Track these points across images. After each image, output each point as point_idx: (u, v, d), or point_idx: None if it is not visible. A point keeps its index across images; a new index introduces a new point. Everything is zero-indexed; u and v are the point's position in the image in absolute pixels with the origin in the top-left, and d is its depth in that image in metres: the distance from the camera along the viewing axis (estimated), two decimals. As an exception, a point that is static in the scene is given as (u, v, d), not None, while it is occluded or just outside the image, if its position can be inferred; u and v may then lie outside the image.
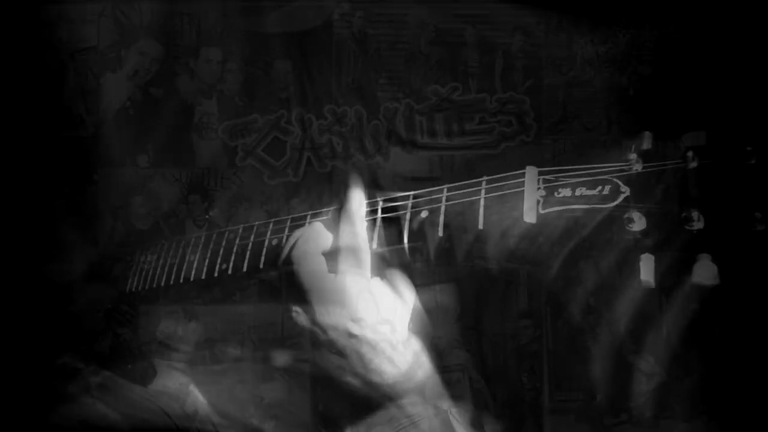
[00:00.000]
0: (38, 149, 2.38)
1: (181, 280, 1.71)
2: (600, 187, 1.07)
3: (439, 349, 1.46)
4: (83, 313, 2.10)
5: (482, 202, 1.19)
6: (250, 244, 1.55)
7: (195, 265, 1.68)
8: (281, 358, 2.32)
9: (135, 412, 1.78)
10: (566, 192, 1.10)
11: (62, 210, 2.37)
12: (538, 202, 1.12)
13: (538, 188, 1.14)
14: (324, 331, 1.28)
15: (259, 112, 2.45)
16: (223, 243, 1.62)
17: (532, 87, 2.48)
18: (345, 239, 1.30)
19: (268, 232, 1.52)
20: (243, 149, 2.44)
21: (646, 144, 1.08)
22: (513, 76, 2.48)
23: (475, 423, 1.38)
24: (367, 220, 1.32)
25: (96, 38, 2.43)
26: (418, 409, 1.28)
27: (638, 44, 2.46)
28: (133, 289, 1.89)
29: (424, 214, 1.29)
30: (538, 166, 1.18)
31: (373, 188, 2.18)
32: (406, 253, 1.31)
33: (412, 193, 1.31)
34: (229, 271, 1.58)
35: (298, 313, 1.32)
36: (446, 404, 1.32)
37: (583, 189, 1.08)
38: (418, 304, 1.36)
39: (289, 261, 1.33)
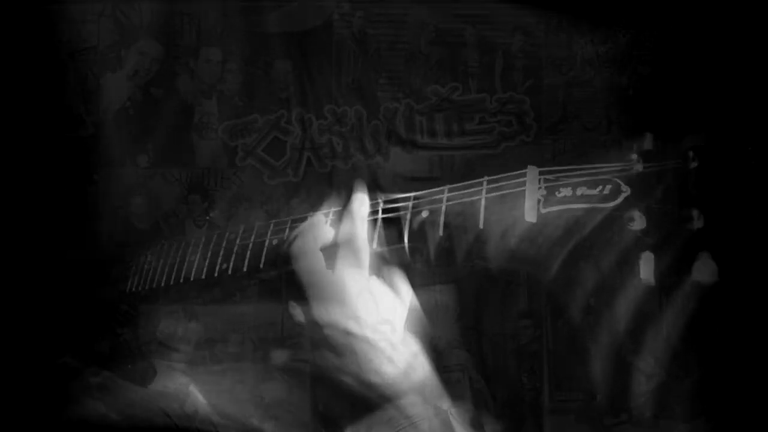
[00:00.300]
0: (38, 149, 2.38)
1: (182, 281, 1.71)
2: (601, 187, 1.07)
3: (439, 349, 1.46)
4: (83, 313, 2.11)
5: (483, 202, 1.19)
6: (251, 245, 1.55)
7: (195, 266, 1.68)
8: (280, 357, 2.32)
9: (135, 413, 1.78)
10: (567, 191, 1.10)
11: (62, 210, 2.37)
12: (539, 201, 1.13)
13: (539, 188, 1.14)
14: (321, 328, 1.28)
15: (259, 112, 2.45)
16: (224, 243, 1.62)
17: (532, 87, 2.48)
18: (344, 237, 1.30)
19: (269, 233, 1.52)
20: (243, 149, 2.44)
21: (647, 144, 1.08)
22: (513, 76, 2.48)
23: (475, 423, 1.38)
24: (368, 220, 1.32)
25: (96, 38, 2.43)
26: (417, 410, 1.28)
27: (638, 44, 2.46)
28: (133, 289, 1.89)
29: (424, 214, 1.29)
30: (538, 166, 1.18)
31: (373, 188, 2.18)
32: (406, 253, 1.31)
33: (413, 194, 1.31)
34: (230, 272, 1.58)
35: (295, 308, 1.32)
36: (446, 404, 1.32)
37: (584, 188, 1.09)
38: (417, 304, 1.36)
39: (287, 257, 1.34)
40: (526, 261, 1.11)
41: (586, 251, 1.06)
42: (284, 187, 2.44)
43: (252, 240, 1.54)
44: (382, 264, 1.30)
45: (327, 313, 1.27)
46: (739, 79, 2.22)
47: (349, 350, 1.26)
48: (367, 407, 1.28)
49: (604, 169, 1.08)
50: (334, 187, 2.41)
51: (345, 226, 1.31)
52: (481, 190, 1.19)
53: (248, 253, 1.53)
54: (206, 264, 1.64)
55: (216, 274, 1.60)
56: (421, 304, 1.36)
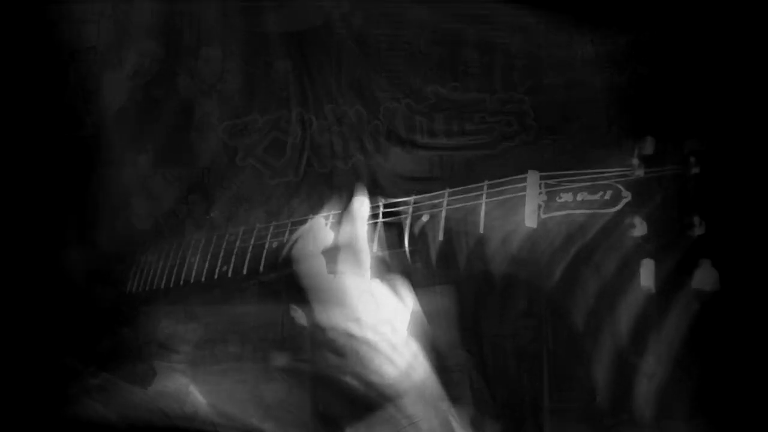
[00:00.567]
0: (38, 149, 2.38)
1: (182, 282, 1.71)
2: (602, 192, 1.08)
3: (439, 350, 1.47)
4: (83, 313, 2.11)
5: (483, 206, 1.20)
6: (251, 247, 1.56)
7: (195, 267, 1.69)
8: (280, 360, 2.32)
9: (135, 414, 1.79)
10: (568, 197, 1.10)
11: (62, 210, 2.37)
12: (540, 206, 1.13)
13: (540, 193, 1.14)
14: (323, 330, 1.28)
15: (259, 112, 2.45)
16: (224, 245, 1.63)
17: (532, 87, 2.47)
18: (345, 240, 1.31)
19: (269, 235, 1.52)
20: (243, 149, 2.44)
21: (648, 149, 1.08)
22: (513, 76, 2.48)
23: (475, 423, 1.38)
24: (369, 223, 1.33)
25: (96, 38, 2.43)
26: (417, 410, 1.29)
27: (638, 44, 2.46)
28: (133, 290, 1.89)
29: (425, 218, 1.29)
30: (537, 166, 1.19)
31: (373, 189, 2.18)
32: (407, 257, 1.32)
33: (413, 198, 1.31)
34: (230, 274, 1.58)
35: (296, 311, 1.32)
36: (446, 405, 1.33)
37: (585, 194, 1.09)
38: (418, 306, 1.37)
39: (288, 260, 1.34)
40: (527, 267, 1.11)
41: (587, 257, 1.06)
42: (284, 187, 2.43)
43: (252, 242, 1.55)
44: (383, 267, 1.31)
45: (328, 316, 1.28)
46: (740, 80, 2.22)
47: (351, 351, 1.27)
48: (368, 407, 1.29)
49: (604, 174, 1.08)
50: (334, 188, 2.41)
51: (345, 229, 1.31)
52: (482, 194, 1.20)
53: (248, 255, 1.54)
54: (206, 266, 1.64)
55: (216, 276, 1.61)
56: (422, 305, 1.37)
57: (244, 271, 1.54)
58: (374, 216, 1.35)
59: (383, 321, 1.33)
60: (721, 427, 2.37)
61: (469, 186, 1.23)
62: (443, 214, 1.24)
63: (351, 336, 1.29)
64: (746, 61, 2.22)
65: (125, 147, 2.43)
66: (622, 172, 1.06)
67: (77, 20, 2.42)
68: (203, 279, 1.65)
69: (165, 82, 2.44)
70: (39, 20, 2.40)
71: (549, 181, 1.13)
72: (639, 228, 1.02)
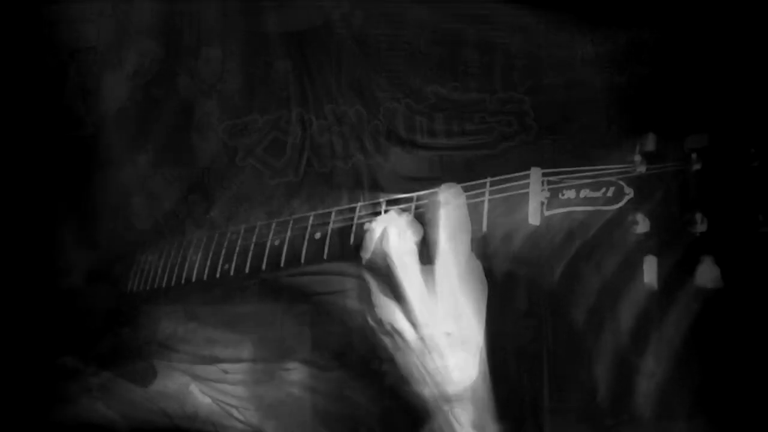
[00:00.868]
0: (38, 149, 2.38)
1: (183, 281, 1.71)
2: (604, 189, 1.08)
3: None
4: (84, 313, 2.11)
5: (486, 203, 1.19)
6: (252, 246, 1.55)
7: (196, 266, 1.69)
8: (297, 372, 2.32)
9: (135, 413, 1.79)
10: (570, 194, 1.10)
11: (62, 210, 2.37)
12: (543, 203, 1.13)
13: (543, 190, 1.14)
14: (418, 327, 1.26)
15: (259, 112, 2.45)
16: (225, 244, 1.62)
17: (532, 87, 2.47)
18: (439, 234, 1.27)
19: (270, 233, 1.52)
20: (243, 149, 2.44)
21: (650, 146, 1.08)
22: (513, 76, 2.48)
23: (475, 423, 1.38)
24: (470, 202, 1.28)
25: (96, 38, 2.43)
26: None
27: (638, 44, 2.46)
28: (134, 290, 1.89)
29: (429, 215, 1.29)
30: (538, 166, 1.19)
31: (373, 188, 2.18)
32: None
33: (416, 194, 1.31)
34: (231, 273, 1.58)
35: (386, 304, 1.29)
36: (446, 405, 1.32)
37: (588, 191, 1.09)
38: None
39: (383, 254, 1.30)
40: (530, 264, 1.11)
41: (590, 254, 1.06)
42: (284, 187, 2.43)
43: (254, 241, 1.54)
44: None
45: (428, 311, 1.26)
46: (742, 80, 2.22)
47: (442, 352, 1.26)
48: (423, 419, 1.29)
49: (607, 171, 1.08)
50: (334, 187, 2.41)
51: (437, 223, 1.27)
52: (485, 191, 1.20)
53: (250, 253, 1.54)
54: (207, 265, 1.64)
55: (218, 275, 1.61)
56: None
57: (246, 270, 1.54)
58: (375, 213, 1.35)
59: (472, 321, 1.33)
60: (721, 427, 2.38)
61: (472, 183, 1.22)
62: (446, 211, 1.24)
63: (448, 335, 1.28)
64: (747, 57, 2.23)
65: (125, 147, 2.42)
66: (624, 169, 1.06)
67: (77, 20, 2.42)
68: (204, 278, 1.65)
69: (165, 82, 2.44)
70: (39, 20, 2.40)
71: (551, 178, 1.12)
72: (641, 225, 1.02)
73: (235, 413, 2.06)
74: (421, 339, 1.27)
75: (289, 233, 1.47)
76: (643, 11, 2.41)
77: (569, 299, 2.21)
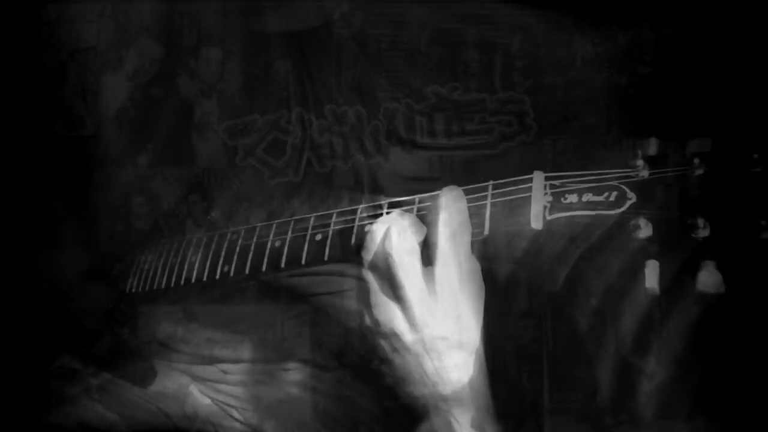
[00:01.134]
0: (38, 149, 2.37)
1: (182, 282, 1.71)
2: (607, 194, 1.07)
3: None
4: (83, 313, 2.10)
5: (488, 207, 1.19)
6: (252, 246, 1.55)
7: (196, 267, 1.68)
8: (296, 373, 2.32)
9: (135, 414, 1.78)
10: (573, 198, 1.10)
11: (62, 210, 2.37)
12: (545, 207, 1.13)
13: (545, 194, 1.14)
14: (418, 328, 1.26)
15: (259, 112, 2.45)
16: (225, 244, 1.62)
17: (532, 87, 2.47)
18: (438, 235, 1.27)
19: (271, 234, 1.52)
20: (243, 149, 2.44)
21: (652, 150, 1.08)
22: (513, 76, 2.48)
23: (475, 423, 1.38)
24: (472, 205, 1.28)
25: (96, 38, 2.43)
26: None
27: (638, 44, 2.46)
28: (133, 290, 1.89)
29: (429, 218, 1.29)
30: (538, 166, 1.18)
31: (373, 188, 2.18)
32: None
33: (417, 197, 1.31)
34: (231, 274, 1.58)
35: (388, 306, 1.29)
36: (445, 405, 1.32)
37: (590, 195, 1.09)
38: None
39: (385, 254, 1.30)
40: (532, 268, 1.11)
41: (592, 258, 1.06)
42: (284, 187, 2.43)
43: (254, 241, 1.54)
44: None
45: (429, 313, 1.26)
46: (742, 80, 2.22)
47: (441, 354, 1.26)
48: (418, 416, 1.28)
49: (609, 175, 1.08)
50: (334, 187, 2.41)
51: (439, 224, 1.27)
52: (487, 195, 1.19)
53: (250, 254, 1.53)
54: (207, 265, 1.64)
55: (217, 276, 1.60)
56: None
57: (246, 271, 1.54)
58: (376, 215, 1.35)
59: (471, 323, 1.33)
60: (721, 427, 2.38)
61: (474, 186, 1.22)
62: (448, 214, 1.24)
63: (444, 338, 1.28)
64: (750, 62, 2.22)
65: (125, 147, 2.42)
66: (626, 174, 1.06)
67: (77, 20, 2.42)
68: (204, 279, 1.65)
69: (165, 82, 2.44)
70: (38, 20, 2.40)
71: (554, 182, 1.12)
72: (644, 229, 1.02)
73: (235, 414, 2.06)
74: (420, 340, 1.27)
75: (289, 234, 1.47)
76: (643, 12, 2.41)
77: (571, 302, 2.21)
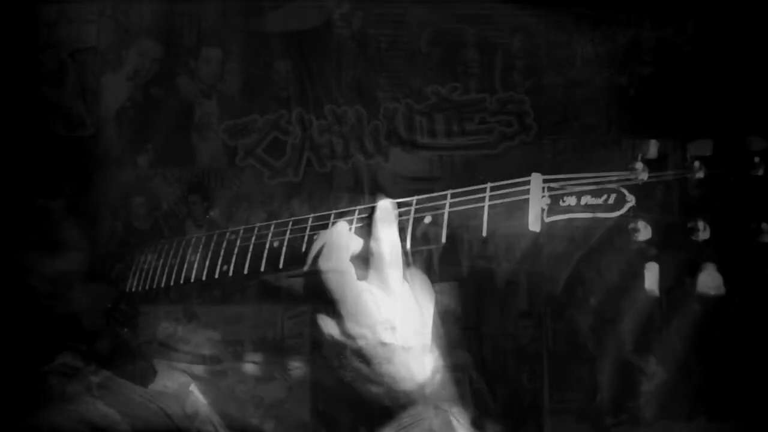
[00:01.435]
0: (38, 149, 2.38)
1: (182, 281, 1.71)
2: (605, 196, 1.07)
3: (440, 350, 1.46)
4: (83, 313, 2.10)
5: (486, 209, 1.19)
6: (251, 246, 1.55)
7: (195, 266, 1.68)
8: (297, 369, 2.33)
9: (135, 413, 1.78)
10: (571, 200, 1.09)
11: (62, 210, 2.37)
12: (543, 210, 1.12)
13: (543, 196, 1.13)
14: (354, 339, 1.27)
15: (259, 112, 2.45)
16: (224, 244, 1.62)
17: (532, 87, 2.47)
18: (375, 248, 1.29)
19: (270, 234, 1.51)
20: (243, 149, 2.44)
21: (652, 152, 1.07)
22: (513, 76, 2.48)
23: (476, 423, 1.38)
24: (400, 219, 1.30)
25: (96, 38, 2.43)
26: (418, 409, 1.28)
27: (638, 44, 2.46)
28: (133, 289, 1.88)
29: (427, 220, 1.28)
30: (538, 166, 1.18)
31: (373, 188, 2.18)
32: (408, 258, 1.31)
33: (415, 198, 1.30)
34: (230, 273, 1.57)
35: (325, 320, 1.31)
36: (446, 404, 1.32)
37: (589, 197, 1.08)
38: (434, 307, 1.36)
39: (316, 269, 1.32)
40: (531, 270, 1.11)
41: (591, 261, 1.06)
42: (284, 187, 2.43)
43: (253, 241, 1.54)
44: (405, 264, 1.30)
45: (359, 324, 1.27)
46: (743, 82, 2.22)
47: (384, 360, 1.26)
48: (392, 413, 1.28)
49: (608, 178, 1.08)
50: (334, 188, 2.41)
51: (375, 236, 1.29)
52: (484, 197, 1.19)
53: (249, 254, 1.53)
54: (206, 265, 1.63)
55: (216, 276, 1.60)
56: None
57: (245, 271, 1.53)
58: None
59: (414, 326, 1.32)
60: (721, 427, 2.38)
61: (472, 188, 1.22)
62: (446, 216, 1.23)
63: (384, 344, 1.28)
64: (750, 63, 2.22)
65: (125, 147, 2.42)
66: (626, 176, 1.05)
67: (77, 20, 2.42)
68: (203, 278, 1.64)
69: (165, 82, 2.44)
70: (38, 20, 2.40)
71: (552, 185, 1.11)
72: (643, 232, 1.02)
73: (233, 412, 2.06)
74: (359, 349, 1.28)
75: (288, 234, 1.47)
76: (643, 12, 2.41)
77: (571, 303, 2.21)
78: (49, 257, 2.30)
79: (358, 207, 1.36)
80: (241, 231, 1.59)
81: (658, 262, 1.03)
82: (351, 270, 1.30)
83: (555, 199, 1.12)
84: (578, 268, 1.05)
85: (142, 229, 2.41)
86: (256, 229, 1.55)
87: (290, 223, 1.49)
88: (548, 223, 1.11)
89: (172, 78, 2.45)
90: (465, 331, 2.39)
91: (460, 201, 1.26)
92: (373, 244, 1.30)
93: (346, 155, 2.44)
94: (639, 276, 1.05)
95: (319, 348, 1.33)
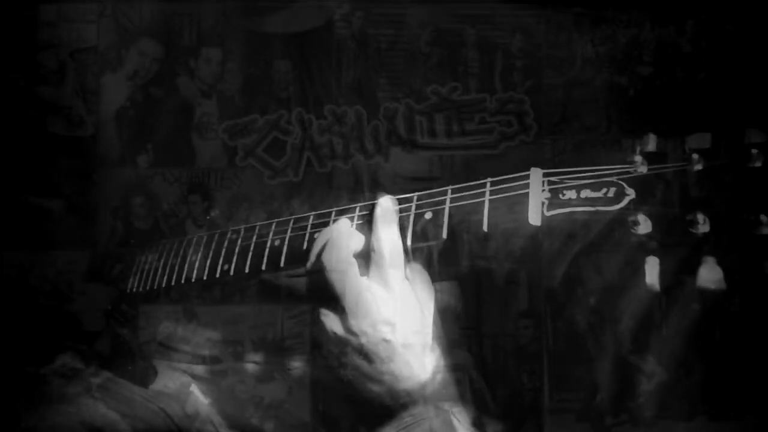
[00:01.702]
0: (38, 149, 2.38)
1: (182, 281, 1.71)
2: (605, 189, 1.07)
3: (440, 349, 1.46)
4: (83, 313, 2.10)
5: (486, 204, 1.19)
6: (252, 245, 1.55)
7: (196, 266, 1.68)
8: (299, 368, 2.33)
9: (135, 413, 1.78)
10: (571, 194, 1.10)
11: (62, 210, 2.37)
12: (543, 204, 1.12)
13: (543, 190, 1.13)
14: (356, 336, 1.27)
15: (259, 112, 2.45)
16: (225, 244, 1.62)
17: (532, 87, 2.47)
18: (376, 245, 1.29)
19: (270, 233, 1.51)
20: (243, 149, 2.44)
21: (651, 146, 1.07)
22: (513, 76, 2.48)
23: (476, 423, 1.38)
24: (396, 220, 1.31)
25: (96, 38, 2.43)
26: (419, 409, 1.28)
27: (638, 44, 2.46)
28: (134, 289, 1.88)
29: (427, 216, 1.29)
30: (538, 166, 1.18)
31: (373, 188, 2.18)
32: (409, 254, 1.31)
33: (415, 194, 1.30)
34: (231, 273, 1.57)
35: (327, 316, 1.31)
36: (447, 404, 1.32)
37: (588, 191, 1.08)
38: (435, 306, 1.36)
39: (320, 265, 1.32)
40: (531, 265, 1.11)
41: (591, 255, 1.06)
42: (284, 187, 2.43)
43: (254, 241, 1.54)
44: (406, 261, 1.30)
45: (362, 321, 1.27)
46: (743, 79, 2.22)
47: (385, 358, 1.26)
48: (393, 412, 1.28)
49: (608, 171, 1.08)
50: (334, 188, 2.41)
51: (374, 233, 1.29)
52: (485, 192, 1.19)
53: (250, 254, 1.53)
54: (207, 265, 1.63)
55: (217, 275, 1.60)
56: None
57: (246, 270, 1.53)
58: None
59: (415, 325, 1.32)
60: (721, 427, 2.38)
61: (472, 183, 1.22)
62: (446, 211, 1.23)
63: (385, 341, 1.29)
64: (750, 62, 2.23)
65: (125, 147, 2.42)
66: (625, 169, 1.05)
67: (77, 20, 2.42)
68: (204, 278, 1.65)
69: (165, 82, 2.44)
70: (38, 20, 2.40)
71: (552, 179, 1.12)
72: (643, 225, 1.02)
73: (233, 412, 2.06)
74: (360, 346, 1.28)
75: (288, 233, 1.47)
76: (643, 12, 2.41)
77: (570, 300, 2.21)
78: (48, 257, 2.30)
79: (359, 204, 1.37)
80: (242, 230, 1.59)
81: (659, 256, 1.03)
82: (353, 267, 1.30)
83: (555, 193, 1.12)
84: (578, 264, 1.05)
85: (142, 229, 2.41)
86: (257, 228, 1.55)
87: (291, 222, 1.49)
88: (548, 216, 1.11)
89: (172, 78, 2.44)
90: (465, 330, 2.39)
91: (460, 197, 1.26)
92: (373, 241, 1.30)
93: (346, 155, 2.44)
94: (639, 272, 1.05)
95: (319, 348, 1.33)
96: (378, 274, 1.29)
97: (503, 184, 1.19)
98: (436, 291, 1.38)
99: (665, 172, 1.04)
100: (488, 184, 1.21)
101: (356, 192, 2.40)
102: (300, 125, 2.44)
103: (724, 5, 2.33)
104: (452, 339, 2.40)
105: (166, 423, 1.78)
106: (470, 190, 1.24)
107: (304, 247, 1.41)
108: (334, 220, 1.39)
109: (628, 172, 1.07)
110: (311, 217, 1.46)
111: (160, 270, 1.80)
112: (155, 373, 1.89)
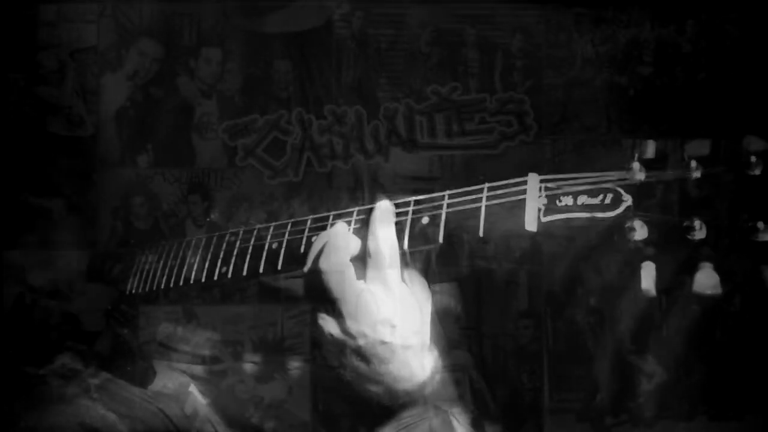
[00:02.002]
0: (38, 149, 2.38)
1: (181, 282, 1.71)
2: (602, 196, 1.07)
3: (440, 350, 1.46)
4: (83, 313, 2.10)
5: (483, 209, 1.19)
6: (251, 248, 1.55)
7: (195, 267, 1.68)
8: (297, 369, 2.33)
9: (134, 414, 1.78)
10: (568, 200, 1.09)
11: (62, 210, 2.37)
12: (540, 210, 1.12)
13: (540, 196, 1.13)
14: (354, 338, 1.28)
15: (259, 112, 2.45)
16: (224, 246, 1.62)
17: (532, 87, 2.47)
18: (373, 247, 1.29)
19: (269, 236, 1.51)
20: (243, 149, 2.44)
21: (650, 152, 1.07)
22: (513, 76, 2.48)
23: (476, 423, 1.38)
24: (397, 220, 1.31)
25: (96, 38, 2.43)
26: (419, 409, 1.28)
27: (638, 44, 2.46)
28: (133, 290, 1.88)
29: (425, 221, 1.29)
30: (538, 166, 1.18)
31: (373, 188, 2.18)
32: (407, 258, 1.31)
33: (413, 198, 1.30)
34: (229, 275, 1.57)
35: (325, 319, 1.31)
36: (446, 404, 1.32)
37: (585, 197, 1.08)
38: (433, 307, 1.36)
39: (316, 269, 1.33)
40: (528, 270, 1.11)
41: (588, 261, 1.06)
42: (284, 187, 2.43)
43: (252, 243, 1.54)
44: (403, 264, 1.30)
45: (360, 323, 1.27)
46: (741, 80, 2.22)
47: (384, 359, 1.26)
48: (392, 413, 1.29)
49: (605, 178, 1.08)
50: (334, 187, 2.41)
51: (372, 235, 1.30)
52: (482, 197, 1.19)
53: (248, 256, 1.53)
54: (206, 266, 1.63)
55: (216, 277, 1.60)
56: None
57: (244, 272, 1.54)
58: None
59: (413, 326, 1.32)
60: (720, 426, 2.38)
61: (469, 188, 1.22)
62: (443, 216, 1.23)
63: (383, 343, 1.29)
64: (750, 64, 2.22)
65: (125, 147, 2.42)
66: (622, 176, 1.05)
67: (77, 20, 2.42)
68: (203, 279, 1.65)
69: (165, 82, 2.44)
70: (38, 20, 2.40)
71: (549, 185, 1.11)
72: (640, 232, 1.02)
73: (233, 412, 2.06)
74: (359, 348, 1.28)
75: (286, 236, 1.47)
76: (643, 11, 2.41)
77: (570, 300, 2.21)
78: (49, 257, 2.30)
79: (357, 208, 1.37)
80: (241, 232, 1.59)
81: (655, 262, 1.03)
82: (351, 270, 1.31)
83: (551, 199, 1.12)
84: (577, 267, 1.05)
85: (142, 229, 2.41)
86: (255, 230, 1.55)
87: (289, 225, 1.49)
88: (545, 222, 1.11)
89: (172, 78, 2.45)
90: (465, 331, 2.39)
91: (457, 201, 1.26)
92: (371, 244, 1.30)
93: (346, 155, 2.44)
94: (636, 275, 1.05)
95: (319, 348, 1.33)
96: (377, 274, 1.29)
97: (500, 189, 1.19)
98: (434, 292, 1.38)
99: (663, 179, 1.04)
100: (485, 189, 1.21)
101: (356, 192, 2.40)
102: (300, 125, 2.44)
103: (724, 5, 2.33)
104: (452, 339, 2.41)
105: (165, 424, 1.78)
106: (467, 195, 1.24)
107: (302, 250, 1.41)
108: (332, 224, 1.39)
109: (626, 179, 1.07)
110: (309, 221, 1.46)
111: (159, 271, 1.80)
112: (154, 373, 1.89)
